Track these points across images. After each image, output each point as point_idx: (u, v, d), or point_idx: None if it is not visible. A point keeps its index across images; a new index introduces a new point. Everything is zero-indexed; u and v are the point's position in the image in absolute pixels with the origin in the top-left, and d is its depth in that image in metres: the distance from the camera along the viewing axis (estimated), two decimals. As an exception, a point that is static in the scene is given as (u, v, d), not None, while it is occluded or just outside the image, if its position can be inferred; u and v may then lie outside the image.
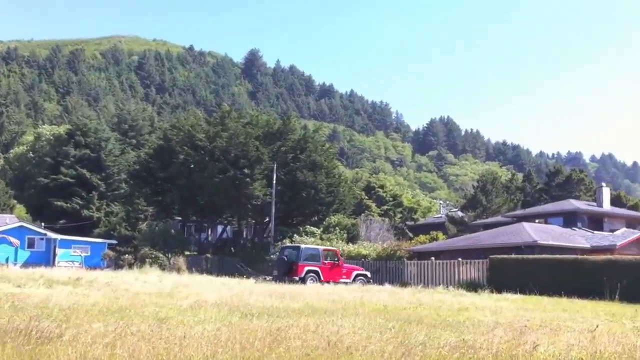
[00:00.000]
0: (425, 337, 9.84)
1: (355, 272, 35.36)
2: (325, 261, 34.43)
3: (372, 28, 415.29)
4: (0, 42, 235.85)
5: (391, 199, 70.37)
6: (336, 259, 35.34)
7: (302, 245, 36.84)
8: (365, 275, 35.67)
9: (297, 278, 32.57)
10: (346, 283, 33.00)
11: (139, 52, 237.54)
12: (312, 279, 32.96)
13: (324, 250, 36.03)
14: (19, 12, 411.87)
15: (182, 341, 8.15)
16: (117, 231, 54.57)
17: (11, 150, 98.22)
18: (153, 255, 46.79)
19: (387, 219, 60.49)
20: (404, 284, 33.72)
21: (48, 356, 7.19)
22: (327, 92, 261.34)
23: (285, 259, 34.57)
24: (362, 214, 58.36)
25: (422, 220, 68.99)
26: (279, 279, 32.95)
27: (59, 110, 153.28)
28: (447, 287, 29.90)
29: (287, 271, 33.62)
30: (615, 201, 57.32)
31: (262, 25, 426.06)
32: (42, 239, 53.45)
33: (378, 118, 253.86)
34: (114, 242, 53.61)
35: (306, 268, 33.36)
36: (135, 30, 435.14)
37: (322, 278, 33.23)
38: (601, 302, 23.62)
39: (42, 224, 60.85)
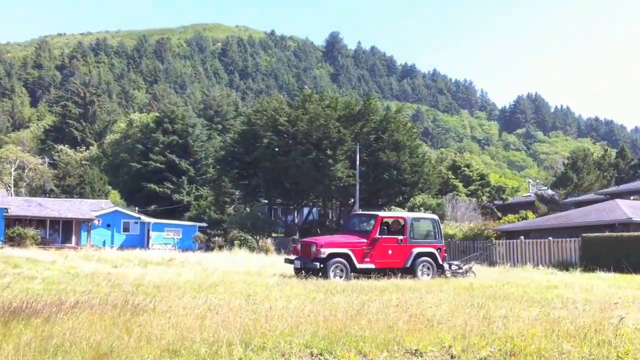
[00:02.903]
0: (509, 312, 9.83)
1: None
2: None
3: (453, 4, 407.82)
4: (89, 33, 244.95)
5: (478, 178, 69.34)
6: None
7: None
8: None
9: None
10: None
11: (222, 39, 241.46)
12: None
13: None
14: (107, 4, 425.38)
15: (268, 313, 8.47)
16: (207, 214, 56.12)
17: (104, 138, 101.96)
18: (242, 238, 47.87)
19: (474, 199, 59.74)
20: (491, 263, 33.32)
21: (143, 326, 7.63)
22: (409, 72, 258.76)
23: None
24: (448, 194, 57.80)
25: (510, 200, 67.72)
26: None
27: (147, 98, 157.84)
28: (537, 266, 29.35)
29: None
30: None
31: (342, 8, 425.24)
32: (136, 222, 55.55)
33: (462, 97, 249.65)
34: (204, 225, 55.15)
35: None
36: (218, 18, 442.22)
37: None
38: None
39: (136, 208, 63.13)
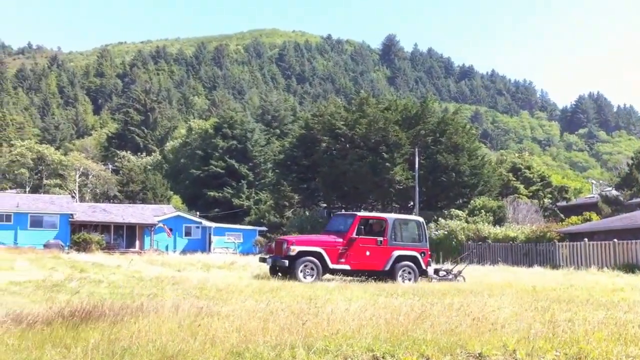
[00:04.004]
0: (574, 315, 9.65)
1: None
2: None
3: (512, 4, 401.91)
4: (149, 41, 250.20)
5: (539, 179, 68.01)
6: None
7: None
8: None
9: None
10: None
11: (279, 44, 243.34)
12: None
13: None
14: (166, 12, 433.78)
15: (329, 317, 8.51)
16: (267, 218, 56.62)
17: (165, 145, 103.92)
18: (301, 241, 47.96)
19: (535, 201, 58.63)
20: (554, 266, 32.68)
21: (207, 329, 7.76)
22: (467, 73, 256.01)
23: None
24: (509, 196, 56.90)
25: (573, 201, 66.21)
26: None
27: (207, 104, 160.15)
28: (602, 268, 28.68)
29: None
30: None
31: (398, 10, 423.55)
32: (197, 227, 56.42)
33: (522, 97, 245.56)
34: (264, 229, 55.68)
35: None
36: (275, 23, 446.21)
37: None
38: None
39: (197, 213, 64.10)
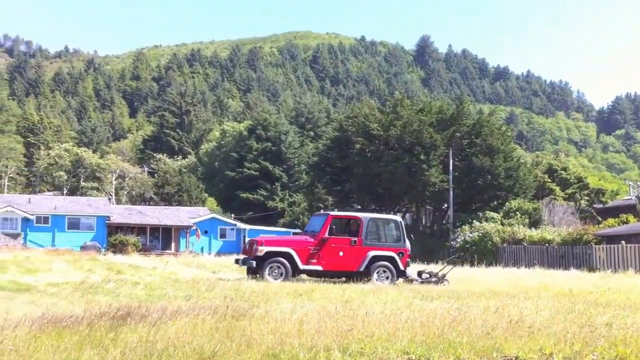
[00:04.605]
0: (612, 319, 9.51)
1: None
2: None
3: (547, 4, 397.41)
4: (184, 45, 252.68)
5: (575, 181, 67.11)
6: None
7: None
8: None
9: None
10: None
11: (313, 46, 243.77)
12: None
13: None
14: (201, 16, 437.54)
15: (364, 319, 8.51)
16: (301, 220, 56.74)
17: (200, 147, 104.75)
18: (335, 244, 48.00)
19: (571, 203, 57.85)
20: (591, 269, 32.23)
21: (243, 330, 7.82)
22: (501, 74, 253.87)
23: None
24: (545, 198, 56.23)
25: (610, 203, 65.17)
26: None
27: (241, 107, 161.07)
28: (639, 271, 28.22)
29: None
30: None
31: (432, 12, 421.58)
32: (232, 229, 56.76)
33: (558, 98, 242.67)
34: (299, 230, 55.68)
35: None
36: (308, 26, 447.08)
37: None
38: None
39: (232, 215, 64.47)
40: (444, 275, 20.24)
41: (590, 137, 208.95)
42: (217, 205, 76.08)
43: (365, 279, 18.51)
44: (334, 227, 19.75)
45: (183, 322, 8.33)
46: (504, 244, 40.43)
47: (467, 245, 41.93)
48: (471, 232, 42.92)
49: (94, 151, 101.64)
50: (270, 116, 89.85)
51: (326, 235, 19.22)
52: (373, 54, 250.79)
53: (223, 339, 7.32)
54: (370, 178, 52.87)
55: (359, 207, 61.96)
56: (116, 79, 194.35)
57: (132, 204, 68.88)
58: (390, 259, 19.30)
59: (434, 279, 19.95)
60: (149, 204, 67.23)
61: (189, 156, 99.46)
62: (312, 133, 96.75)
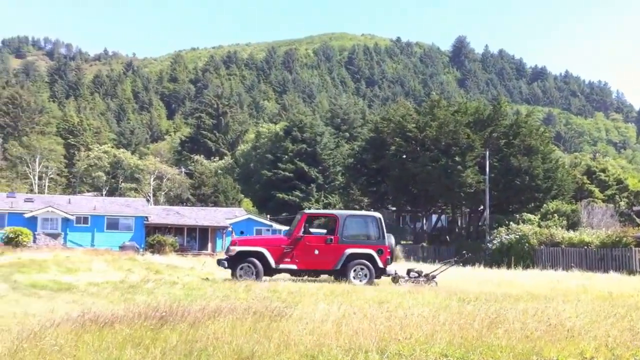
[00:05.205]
0: (655, 323, 9.36)
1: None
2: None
3: (585, 3, 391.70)
4: (220, 47, 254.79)
5: (615, 183, 66.09)
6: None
7: None
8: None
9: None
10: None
11: (348, 48, 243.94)
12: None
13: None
14: (237, 18, 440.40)
15: (402, 321, 8.50)
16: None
17: (237, 148, 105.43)
18: (370, 245, 47.91)
19: (611, 205, 56.94)
20: (631, 272, 31.68)
21: (281, 331, 7.88)
22: (539, 74, 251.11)
23: None
24: (583, 200, 55.43)
25: (650, 205, 64.08)
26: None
27: (277, 109, 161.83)
28: (682, 275, 27.68)
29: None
30: None
31: (469, 12, 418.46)
32: (268, 229, 56.98)
33: (596, 99, 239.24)
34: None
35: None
36: (344, 27, 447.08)
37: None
38: None
39: (268, 216, 64.74)
40: (434, 276, 19.70)
41: (629, 138, 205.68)
42: (253, 206, 76.46)
43: (343, 278, 18.31)
44: (309, 225, 19.65)
45: (222, 322, 8.43)
46: (541, 246, 39.93)
47: (504, 247, 41.52)
48: (508, 234, 42.47)
49: (133, 152, 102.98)
50: (306, 117, 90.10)
51: (300, 233, 19.12)
52: (409, 55, 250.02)
53: (261, 340, 7.39)
54: (405, 179, 52.67)
55: (394, 208, 61.85)
56: (154, 81, 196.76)
57: (170, 205, 69.57)
58: (369, 257, 18.89)
59: (422, 279, 19.43)
60: (186, 205, 67.84)
61: (225, 157, 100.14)
62: (347, 134, 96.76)
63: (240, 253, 18.70)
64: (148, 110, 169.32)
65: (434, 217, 61.61)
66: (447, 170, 49.55)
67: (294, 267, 18.83)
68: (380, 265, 18.90)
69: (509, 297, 14.35)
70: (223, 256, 20.31)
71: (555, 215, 46.56)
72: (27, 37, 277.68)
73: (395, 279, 19.28)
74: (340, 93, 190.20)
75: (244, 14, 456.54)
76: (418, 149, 52.68)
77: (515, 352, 7.08)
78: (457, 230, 56.65)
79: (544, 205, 49.48)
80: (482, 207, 52.88)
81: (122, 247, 44.97)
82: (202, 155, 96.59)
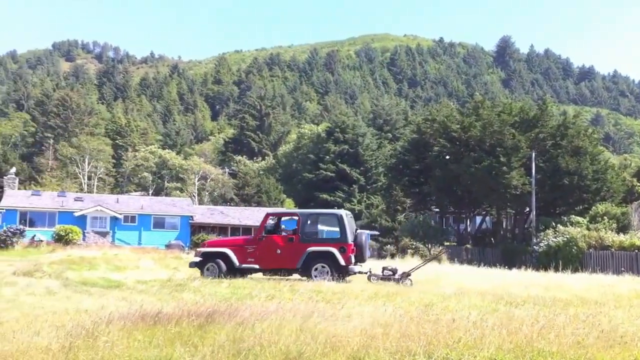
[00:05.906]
0: None
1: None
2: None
3: (631, 2, 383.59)
4: (264, 49, 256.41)
5: (666, 185, 64.55)
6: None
7: None
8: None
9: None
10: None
11: (390, 49, 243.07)
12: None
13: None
14: (280, 21, 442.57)
15: (449, 324, 8.41)
16: (378, 222, 56.51)
17: (279, 149, 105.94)
18: (413, 246, 47.74)
19: (662, 207, 55.65)
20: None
21: (327, 332, 7.85)
22: (586, 74, 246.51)
23: None
24: (634, 202, 54.22)
25: (703, 208, 62.40)
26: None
27: (319, 110, 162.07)
28: None
29: None
30: None
31: (513, 11, 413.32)
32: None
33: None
34: (376, 232, 55.55)
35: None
36: (386, 28, 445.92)
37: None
38: None
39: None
40: (408, 274, 19.40)
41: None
42: (295, 206, 76.69)
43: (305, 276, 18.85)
44: (273, 225, 20.44)
45: (269, 322, 8.45)
46: (590, 250, 39.21)
47: (551, 250, 40.84)
48: (555, 237, 41.76)
49: (178, 153, 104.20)
50: (348, 119, 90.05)
51: (263, 233, 19.94)
52: (452, 56, 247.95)
53: (308, 340, 7.38)
54: (449, 180, 52.15)
55: (438, 209, 61.33)
56: (199, 83, 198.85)
57: (214, 205, 70.22)
58: (330, 255, 19.00)
59: (397, 276, 19.12)
60: (230, 205, 68.39)
61: (267, 158, 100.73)
62: (389, 135, 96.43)
63: (205, 254, 19.89)
64: (193, 112, 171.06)
65: (478, 219, 60.92)
66: (492, 172, 48.88)
67: (256, 266, 19.54)
68: (342, 263, 18.89)
69: (558, 301, 14.12)
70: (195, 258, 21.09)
71: (605, 217, 45.56)
72: (77, 40, 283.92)
73: (369, 277, 19.32)
74: (382, 94, 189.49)
75: (287, 16, 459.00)
76: (462, 149, 52.10)
77: (566, 357, 6.96)
78: (501, 232, 55.93)
79: (593, 207, 48.47)
80: (527, 209, 52.11)
81: (168, 246, 45.60)
82: (245, 156, 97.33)
